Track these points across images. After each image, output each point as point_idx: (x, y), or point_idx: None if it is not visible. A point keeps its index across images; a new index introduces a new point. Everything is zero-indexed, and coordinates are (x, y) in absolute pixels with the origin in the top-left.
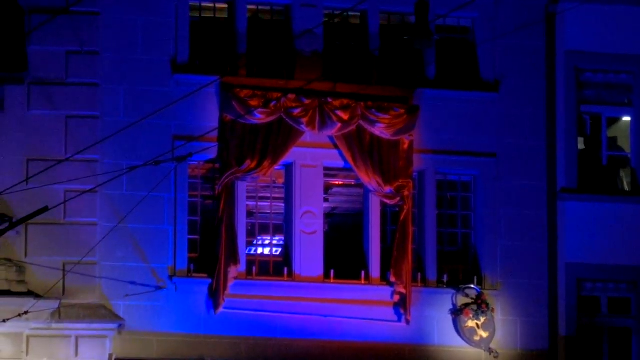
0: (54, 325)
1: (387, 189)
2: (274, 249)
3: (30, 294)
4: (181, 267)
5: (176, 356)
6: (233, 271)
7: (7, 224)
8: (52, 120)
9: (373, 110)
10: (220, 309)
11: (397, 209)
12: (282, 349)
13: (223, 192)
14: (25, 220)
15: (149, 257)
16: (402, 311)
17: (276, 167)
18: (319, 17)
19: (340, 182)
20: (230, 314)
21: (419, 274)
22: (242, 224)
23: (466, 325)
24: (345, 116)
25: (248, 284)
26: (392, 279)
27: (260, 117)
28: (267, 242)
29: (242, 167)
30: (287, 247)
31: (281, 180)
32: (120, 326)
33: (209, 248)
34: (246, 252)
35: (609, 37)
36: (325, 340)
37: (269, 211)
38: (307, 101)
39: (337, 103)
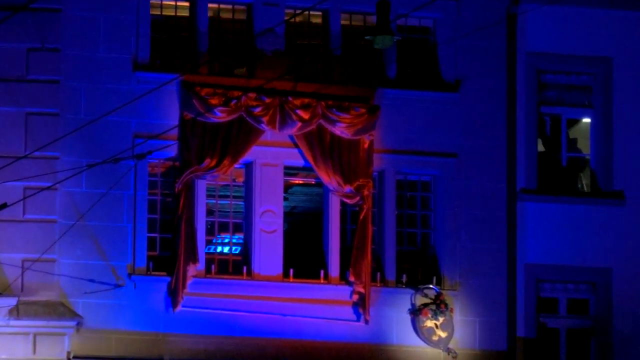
0: (12, 323)
1: (347, 188)
2: (234, 248)
3: None
4: (140, 265)
5: (135, 354)
6: (192, 269)
7: None
8: (12, 117)
9: (334, 109)
10: (179, 308)
11: (357, 209)
12: (241, 347)
13: (183, 191)
14: None
15: (108, 254)
16: (361, 311)
17: (236, 166)
18: (280, 16)
19: (300, 181)
20: (190, 313)
21: (378, 273)
22: (201, 222)
23: (425, 325)
24: (305, 115)
25: (207, 283)
26: (351, 279)
27: (220, 116)
28: (226, 240)
29: (202, 165)
30: (246, 246)
31: (241, 179)
32: (79, 324)
33: (169, 246)
34: (205, 250)
35: (570, 39)
36: (285, 339)
37: (228, 210)
38: (267, 100)
39: (297, 102)
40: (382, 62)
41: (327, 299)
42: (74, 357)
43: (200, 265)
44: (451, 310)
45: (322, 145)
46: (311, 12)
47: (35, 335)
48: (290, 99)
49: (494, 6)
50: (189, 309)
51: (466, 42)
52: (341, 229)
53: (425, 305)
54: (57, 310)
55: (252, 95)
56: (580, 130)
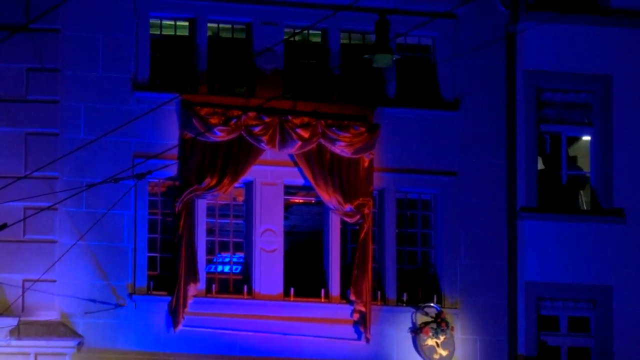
0: (13, 343)
1: (347, 207)
2: (234, 267)
3: None
4: (141, 285)
5: None
6: (193, 289)
7: None
8: (11, 137)
9: (333, 128)
10: (180, 327)
11: (357, 227)
12: None
13: (183, 210)
14: None
15: (109, 274)
16: (362, 329)
17: (236, 185)
18: (279, 35)
19: (301, 200)
20: (190, 332)
21: (379, 292)
22: (201, 241)
23: (426, 343)
24: (305, 134)
25: (208, 302)
26: (352, 297)
27: (220, 135)
28: (227, 260)
29: (202, 184)
30: (247, 265)
31: (241, 198)
32: (80, 343)
33: (169, 266)
34: (206, 269)
35: (569, 57)
36: (285, 359)
37: (229, 229)
38: (267, 119)
39: (297, 121)
40: (381, 81)
41: (328, 317)
42: None
43: (201, 285)
44: (452, 329)
45: (322, 164)
46: (310, 31)
47: (36, 356)
48: (289, 118)
49: (493, 24)
50: (190, 329)
51: (465, 60)
52: (341, 247)
53: (426, 323)
54: (58, 330)
55: (251, 114)
56: (580, 148)
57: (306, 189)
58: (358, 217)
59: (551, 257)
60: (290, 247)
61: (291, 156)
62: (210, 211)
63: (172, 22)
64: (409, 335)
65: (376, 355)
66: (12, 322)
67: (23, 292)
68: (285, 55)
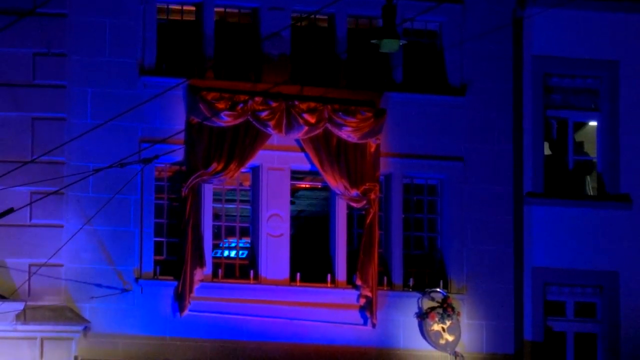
0: (19, 327)
1: (354, 192)
2: (240, 252)
3: None
4: (147, 270)
5: (142, 359)
6: (199, 274)
7: None
8: (18, 121)
9: (340, 113)
10: (186, 312)
11: (364, 212)
12: (248, 352)
13: (189, 195)
14: None
15: (115, 259)
16: (368, 314)
17: (243, 170)
18: (286, 20)
19: (307, 185)
20: (196, 317)
21: (385, 277)
22: (208, 226)
23: (432, 328)
24: (312, 119)
25: (214, 287)
26: (358, 282)
27: (227, 120)
28: (233, 245)
29: (209, 169)
30: (253, 250)
31: (248, 183)
32: (86, 328)
33: (175, 251)
34: (212, 254)
35: (576, 42)
36: (291, 344)
37: (235, 214)
38: (274, 104)
39: (304, 106)
40: (388, 66)
41: (334, 302)
42: None
43: (207, 270)
44: (458, 314)
45: (329, 149)
46: (317, 16)
47: (42, 340)
48: (296, 103)
49: (500, 10)
50: (196, 313)
51: (472, 45)
52: (348, 232)
53: (432, 308)
54: (64, 315)
55: (258, 99)
56: (587, 134)
57: (313, 174)
58: (364, 202)
59: (558, 243)
60: (296, 232)
61: (298, 141)
62: (217, 196)
63: (178, 7)
64: (415, 321)
65: (382, 341)
66: (19, 306)
67: (29, 277)
68: (292, 40)
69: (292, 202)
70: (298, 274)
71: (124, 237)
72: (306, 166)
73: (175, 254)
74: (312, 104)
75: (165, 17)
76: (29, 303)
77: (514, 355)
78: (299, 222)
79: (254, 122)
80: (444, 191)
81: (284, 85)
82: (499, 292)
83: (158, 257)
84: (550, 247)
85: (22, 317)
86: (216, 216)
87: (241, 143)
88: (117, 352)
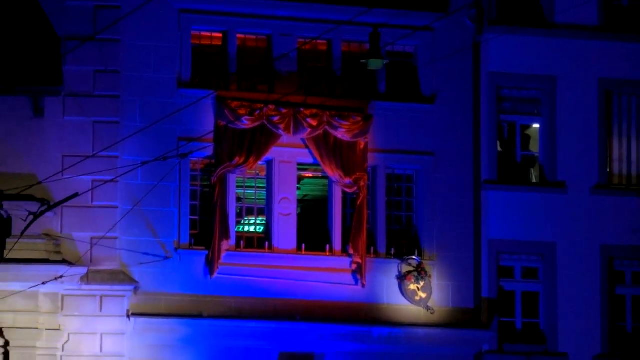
0: (83, 287)
1: (347, 180)
2: (258, 227)
3: (64, 262)
4: (184, 242)
5: (179, 312)
6: (225, 245)
7: (46, 207)
8: (82, 124)
9: (336, 118)
10: (215, 275)
11: (355, 196)
12: (264, 306)
13: (217, 183)
14: (60, 203)
15: (159, 233)
16: (358, 277)
17: (259, 163)
18: (293, 44)
19: (310, 175)
20: (223, 279)
21: (372, 247)
22: (232, 207)
23: (409, 288)
24: (314, 123)
25: (237, 255)
26: (351, 252)
27: (246, 123)
28: (252, 221)
29: (233, 162)
30: (267, 226)
31: (263, 173)
32: (136, 288)
33: (206, 226)
34: (235, 229)
35: (522, 61)
36: (298, 300)
37: (253, 197)
38: (284, 111)
39: (307, 112)
40: (374, 80)
41: (332, 267)
42: (131, 314)
43: (231, 242)
44: (430, 276)
45: (327, 146)
46: (318, 41)
47: (101, 297)
48: (301, 109)
49: (463, 35)
50: (223, 276)
51: (441, 64)
52: (342, 212)
53: (409, 272)
54: (119, 277)
55: (271, 107)
56: (531, 133)
57: (314, 165)
58: (355, 188)
59: (508, 220)
60: (301, 211)
61: (303, 140)
62: (239, 183)
63: (208, 34)
64: (396, 282)
65: (369, 298)
66: (83, 270)
67: (91, 247)
68: (298, 60)
69: (298, 188)
70: (303, 245)
71: (165, 215)
72: (309, 159)
73: (206, 229)
74: (314, 111)
75: (198, 42)
76: (90, 268)
77: (473, 309)
78: (303, 203)
79: (268, 125)
80: (419, 179)
81: (291, 95)
82: (462, 259)
83: (193, 232)
84: (502, 223)
85: (86, 279)
86: (238, 199)
87: (258, 141)
88: (160, 306)
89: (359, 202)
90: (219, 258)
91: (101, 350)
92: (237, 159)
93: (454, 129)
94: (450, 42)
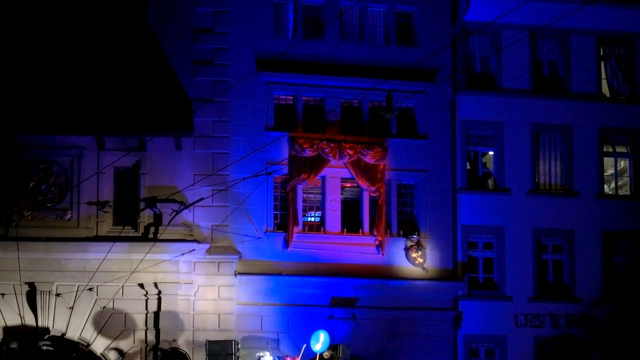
0: (207, 257)
1: (372, 188)
2: (316, 218)
3: (195, 241)
4: (270, 227)
5: (267, 272)
6: (296, 229)
7: (183, 206)
8: (205, 154)
9: (365, 149)
10: (290, 248)
11: (377, 198)
12: (320, 267)
13: (290, 190)
14: (192, 204)
15: (255, 222)
16: (380, 249)
17: (317, 178)
18: (338, 103)
19: (349, 185)
20: (295, 251)
21: (388, 230)
22: (300, 205)
23: (412, 255)
24: (351, 152)
25: (304, 236)
26: (375, 233)
27: (308, 153)
28: (313, 214)
29: (300, 177)
30: (322, 217)
31: (319, 184)
32: (240, 257)
33: (284, 218)
34: (303, 219)
35: (482, 112)
36: (341, 263)
37: (314, 200)
38: (332, 145)
39: (347, 146)
40: (389, 125)
41: (363, 242)
42: (237, 273)
43: (300, 227)
44: (425, 248)
45: (359, 167)
46: (352, 101)
47: (218, 263)
48: (343, 144)
49: (444, 96)
50: (294, 249)
51: (432, 114)
52: (370, 208)
53: (412, 245)
54: (229, 250)
55: (324, 142)
56: (488, 158)
57: (351, 179)
58: (377, 193)
59: (474, 212)
60: (344, 208)
61: (344, 163)
62: (305, 191)
63: (284, 96)
64: (403, 252)
65: (387, 262)
66: (206, 246)
67: (212, 231)
68: (342, 113)
69: (341, 193)
70: (344, 229)
71: (258, 211)
72: (348, 175)
73: (284, 219)
74: (351, 145)
75: (277, 102)
76: (211, 244)
77: (452, 269)
78: (345, 203)
79: (321, 154)
80: (417, 187)
81: (336, 135)
82: (445, 237)
83: (276, 221)
84: (470, 214)
85: (208, 251)
86: (304, 200)
87: (315, 165)
88: (255, 268)
89: (379, 202)
90: (291, 237)
91: (218, 296)
92: (303, 175)
93: (440, 155)
94: (437, 100)
